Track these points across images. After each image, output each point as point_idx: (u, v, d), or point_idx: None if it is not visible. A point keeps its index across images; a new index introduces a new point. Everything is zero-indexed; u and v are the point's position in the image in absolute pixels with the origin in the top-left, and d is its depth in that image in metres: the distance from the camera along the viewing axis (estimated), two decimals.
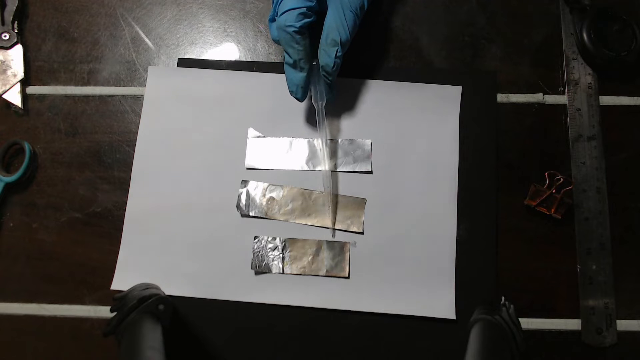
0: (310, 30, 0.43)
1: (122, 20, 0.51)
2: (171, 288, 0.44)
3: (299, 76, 0.43)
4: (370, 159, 0.46)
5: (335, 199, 0.45)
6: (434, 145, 0.46)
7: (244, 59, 0.50)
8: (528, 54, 0.49)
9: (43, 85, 0.49)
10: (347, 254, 0.44)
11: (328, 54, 0.42)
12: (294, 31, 0.41)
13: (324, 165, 0.45)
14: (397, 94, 0.47)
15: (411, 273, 0.44)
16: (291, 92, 0.44)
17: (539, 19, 0.50)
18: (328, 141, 0.46)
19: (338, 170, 0.46)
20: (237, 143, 0.47)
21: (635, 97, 0.48)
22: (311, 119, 0.47)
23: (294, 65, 0.43)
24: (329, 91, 0.45)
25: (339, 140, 0.46)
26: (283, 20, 0.42)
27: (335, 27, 0.42)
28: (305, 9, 0.42)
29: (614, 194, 0.45)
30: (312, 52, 0.43)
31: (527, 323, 0.43)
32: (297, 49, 0.42)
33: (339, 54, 0.42)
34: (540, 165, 0.46)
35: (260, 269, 0.44)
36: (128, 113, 0.48)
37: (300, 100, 0.45)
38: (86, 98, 0.49)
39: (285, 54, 0.43)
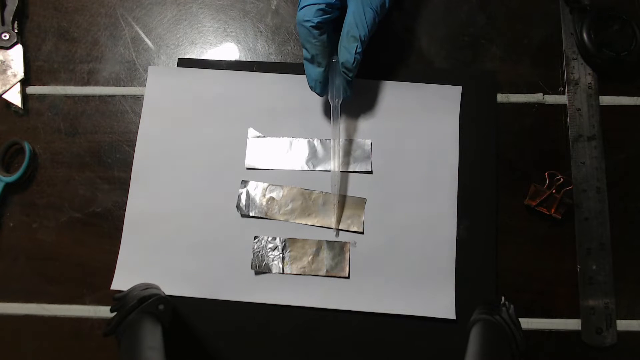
0: (330, 26, 0.43)
1: (122, 20, 0.51)
2: (171, 288, 0.44)
3: (317, 71, 0.43)
4: (370, 159, 0.46)
5: (342, 199, 0.45)
6: (434, 145, 0.46)
7: (244, 59, 0.50)
8: (528, 54, 0.49)
9: (43, 85, 0.49)
10: (347, 254, 0.44)
11: (348, 50, 0.42)
12: (311, 26, 0.41)
13: (333, 165, 0.44)
14: (397, 94, 0.47)
15: (411, 273, 0.44)
16: (311, 87, 0.45)
17: (539, 19, 0.50)
18: (341, 140, 0.45)
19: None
20: (237, 143, 0.47)
21: (635, 97, 0.48)
22: (311, 118, 0.47)
23: (311, 60, 0.43)
24: (346, 89, 0.45)
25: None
26: (302, 15, 0.42)
27: (355, 23, 0.42)
28: (324, 5, 0.42)
29: (614, 194, 0.45)
30: (330, 48, 0.43)
31: (527, 323, 0.43)
32: (314, 44, 0.42)
33: (358, 50, 0.42)
34: (540, 165, 0.46)
35: (260, 269, 0.44)
36: (128, 113, 0.48)
37: (320, 95, 0.45)
38: (86, 98, 0.49)
39: (303, 49, 0.43)
